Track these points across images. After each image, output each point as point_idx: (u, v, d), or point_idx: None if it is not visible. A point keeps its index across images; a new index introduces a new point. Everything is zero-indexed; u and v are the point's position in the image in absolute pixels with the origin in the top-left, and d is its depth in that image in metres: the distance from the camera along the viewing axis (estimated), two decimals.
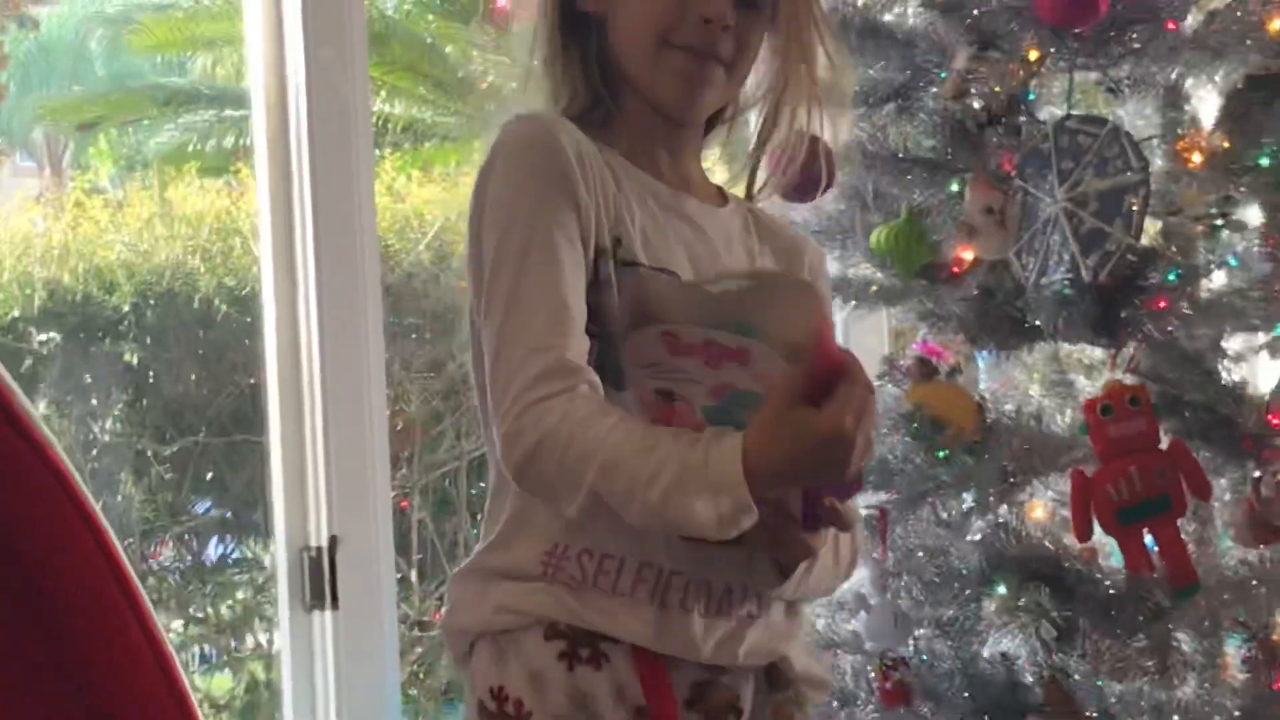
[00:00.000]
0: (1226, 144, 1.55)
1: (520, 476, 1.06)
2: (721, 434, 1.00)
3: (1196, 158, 1.57)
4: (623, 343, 1.07)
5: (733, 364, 1.00)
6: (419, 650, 2.27)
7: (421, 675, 2.50)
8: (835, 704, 1.57)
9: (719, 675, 1.12)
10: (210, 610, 2.49)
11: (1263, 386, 1.58)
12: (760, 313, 1.02)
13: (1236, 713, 1.46)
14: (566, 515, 1.06)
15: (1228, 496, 1.51)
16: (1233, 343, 1.57)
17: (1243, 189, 1.57)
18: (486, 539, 1.15)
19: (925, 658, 1.52)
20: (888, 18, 1.65)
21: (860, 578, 1.55)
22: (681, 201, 1.16)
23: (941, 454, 1.50)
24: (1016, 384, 1.63)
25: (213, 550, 2.49)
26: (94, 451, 2.38)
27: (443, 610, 1.32)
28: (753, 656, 1.12)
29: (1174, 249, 1.55)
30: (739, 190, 1.21)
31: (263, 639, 2.41)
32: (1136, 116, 1.66)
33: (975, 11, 1.58)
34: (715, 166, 1.22)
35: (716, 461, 0.99)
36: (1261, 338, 1.58)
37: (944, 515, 1.53)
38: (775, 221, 1.25)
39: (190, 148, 3.42)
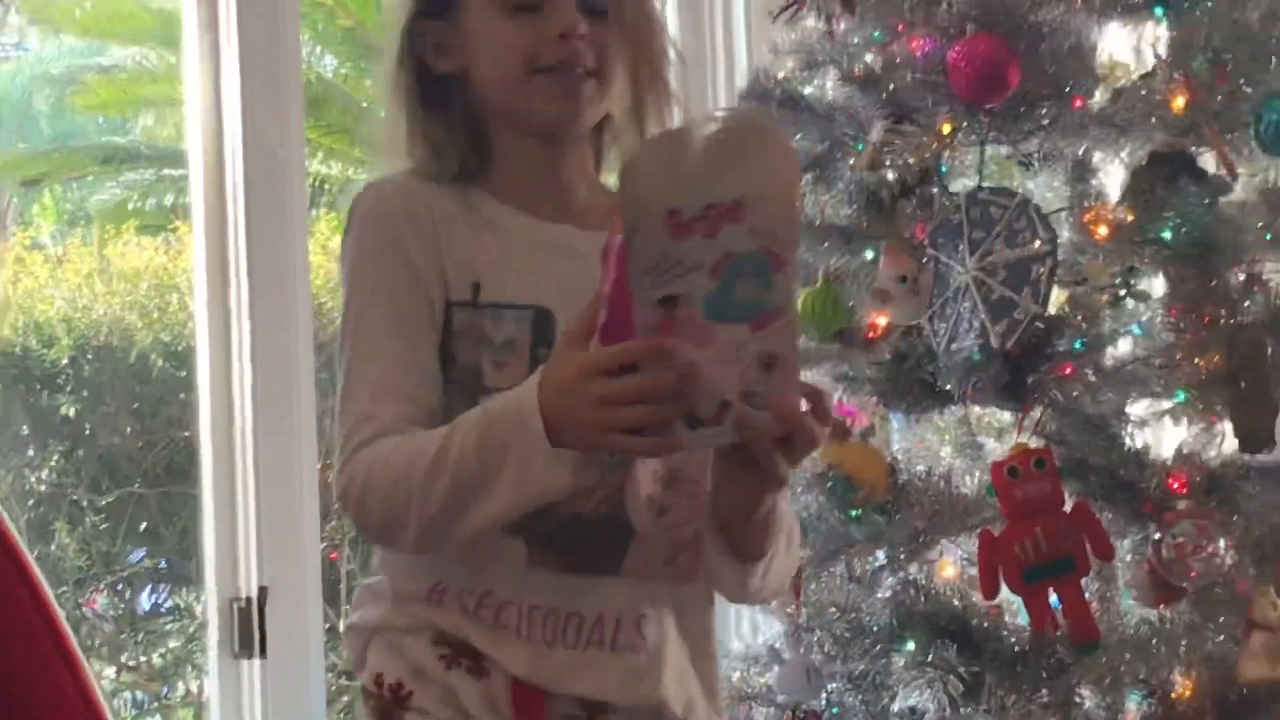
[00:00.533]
0: (1131, 217, 1.62)
1: (362, 531, 1.12)
2: (501, 396, 1.06)
3: (1102, 230, 1.64)
4: (631, 255, 1.03)
5: (729, 224, 1.00)
6: (345, 699, 2.32)
7: None
8: None
9: (597, 714, 1.14)
10: (143, 658, 2.52)
11: (1164, 451, 1.64)
12: (743, 160, 1.02)
13: None
14: (416, 553, 1.10)
15: (1129, 558, 1.56)
16: (1136, 408, 1.63)
17: (1146, 260, 1.63)
18: (384, 567, 1.19)
19: (836, 710, 1.56)
20: (807, 90, 1.70)
21: (774, 632, 1.60)
22: (557, 234, 1.19)
23: (854, 513, 1.55)
24: (928, 446, 1.67)
25: (145, 599, 2.54)
26: (30, 501, 2.41)
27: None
28: (631, 697, 1.14)
29: (1080, 318, 1.62)
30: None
31: (194, 686, 2.43)
32: (1045, 189, 1.73)
33: (891, 86, 1.64)
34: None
35: (512, 409, 1.03)
36: (1164, 404, 1.64)
37: (856, 572, 1.58)
38: None
39: (130, 205, 3.52)
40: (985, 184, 1.70)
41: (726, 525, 1.07)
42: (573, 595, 1.12)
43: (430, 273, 1.14)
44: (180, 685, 2.46)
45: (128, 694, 2.48)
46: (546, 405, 1.01)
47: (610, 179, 1.23)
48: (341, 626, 2.36)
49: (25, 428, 2.46)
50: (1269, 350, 1.57)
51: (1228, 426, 1.63)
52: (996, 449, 1.67)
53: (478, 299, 1.14)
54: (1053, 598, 1.57)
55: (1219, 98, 1.70)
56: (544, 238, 1.17)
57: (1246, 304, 1.64)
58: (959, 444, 1.73)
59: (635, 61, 1.17)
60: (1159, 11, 1.72)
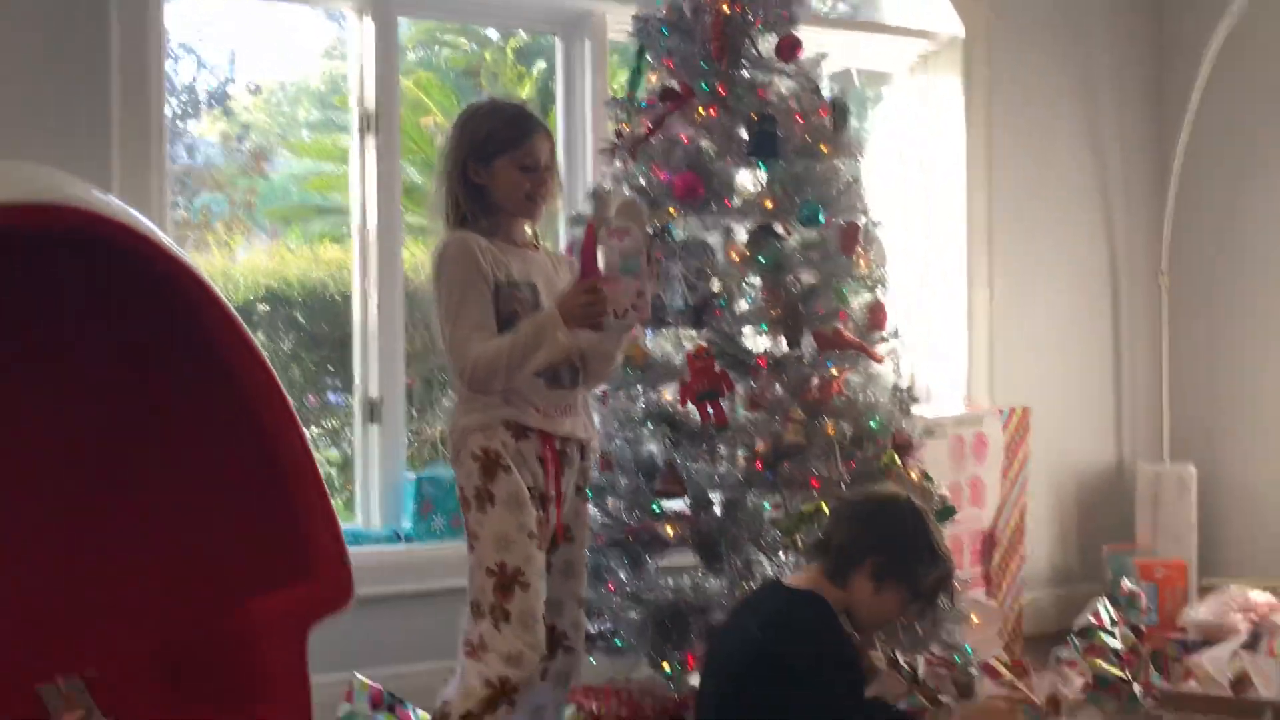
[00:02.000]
0: (748, 253, 3.32)
1: (471, 385, 2.44)
2: (536, 314, 2.45)
3: (735, 256, 3.33)
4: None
5: (626, 237, 2.41)
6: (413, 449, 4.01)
7: None
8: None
9: (566, 444, 2.57)
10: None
11: (756, 347, 3.47)
12: (630, 212, 2.45)
13: None
14: (497, 391, 2.45)
15: (740, 390, 3.38)
16: (747, 330, 3.47)
17: (752, 271, 3.42)
18: (463, 398, 2.50)
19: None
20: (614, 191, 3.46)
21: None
22: (526, 253, 2.56)
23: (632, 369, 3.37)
24: (662, 349, 3.49)
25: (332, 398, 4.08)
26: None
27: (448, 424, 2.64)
28: (579, 432, 2.59)
29: (725, 292, 3.40)
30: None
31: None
32: (713, 238, 3.29)
33: (650, 191, 3.21)
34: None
35: (541, 319, 2.40)
36: (758, 333, 3.47)
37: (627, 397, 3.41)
38: (554, 252, 2.79)
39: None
40: (687, 236, 3.19)
41: (595, 364, 2.60)
42: (561, 395, 2.54)
43: (488, 273, 2.46)
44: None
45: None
46: (560, 308, 2.40)
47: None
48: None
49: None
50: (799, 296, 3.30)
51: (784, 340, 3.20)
52: (688, 344, 3.21)
53: (508, 282, 2.51)
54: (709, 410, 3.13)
55: (785, 203, 3.16)
56: (524, 256, 2.57)
57: (793, 286, 3.20)
58: (677, 344, 3.29)
59: (554, 185, 2.61)
60: (762, 164, 3.17)
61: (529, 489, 2.47)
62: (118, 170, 3.33)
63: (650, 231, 2.57)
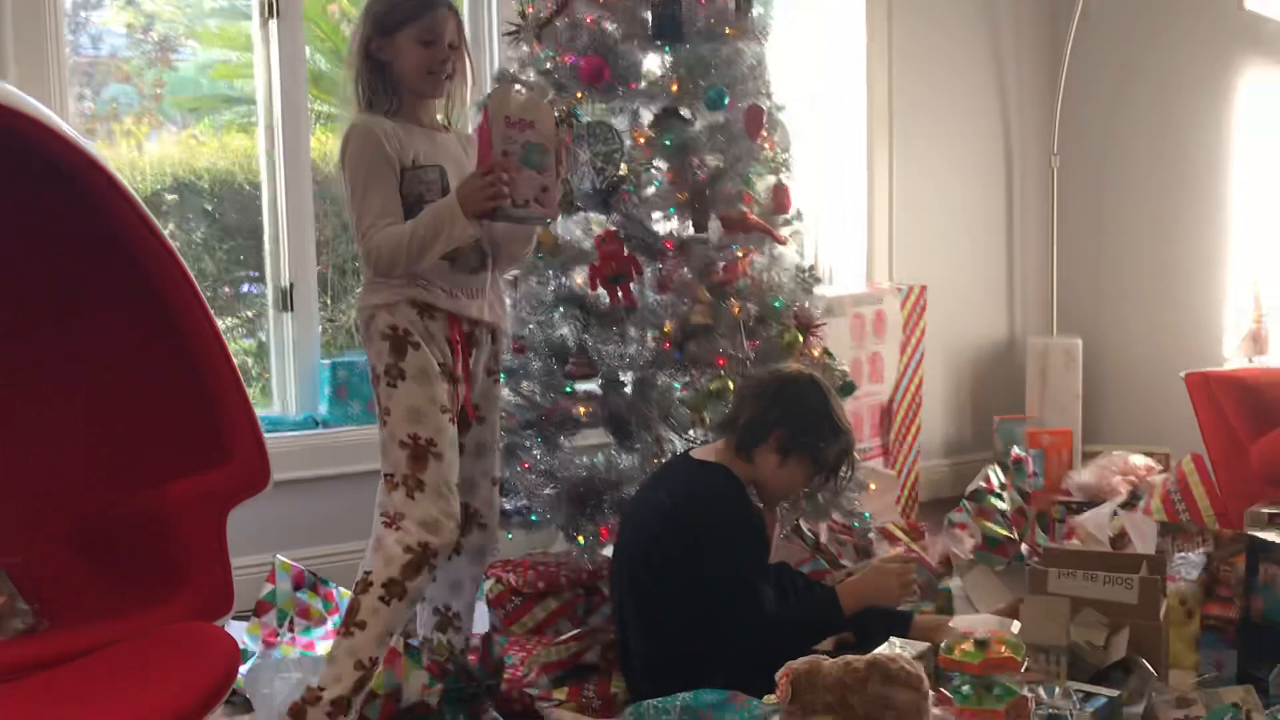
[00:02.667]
0: (652, 134, 3.24)
1: (375, 268, 2.46)
2: (437, 201, 2.41)
3: (641, 140, 3.23)
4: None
5: (529, 129, 2.40)
6: (326, 335, 3.89)
7: None
8: None
9: (475, 327, 2.59)
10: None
11: (661, 230, 3.55)
12: (535, 105, 2.43)
13: None
14: (401, 274, 2.45)
15: (648, 273, 3.48)
16: (656, 215, 3.55)
17: (657, 153, 3.30)
18: (369, 279, 2.52)
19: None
20: (523, 76, 3.32)
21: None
22: (435, 135, 2.55)
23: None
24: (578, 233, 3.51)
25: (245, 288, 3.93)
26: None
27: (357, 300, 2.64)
28: (486, 315, 2.61)
29: (631, 175, 3.25)
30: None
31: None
32: (620, 122, 3.31)
33: (556, 76, 3.21)
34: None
35: (440, 208, 2.39)
36: (665, 219, 3.52)
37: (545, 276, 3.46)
38: (465, 135, 2.69)
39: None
40: (594, 119, 3.19)
41: (507, 250, 2.65)
42: (468, 279, 2.55)
43: (392, 158, 2.46)
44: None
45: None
46: (459, 197, 2.40)
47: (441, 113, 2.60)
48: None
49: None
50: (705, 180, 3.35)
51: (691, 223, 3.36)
52: (597, 228, 3.29)
53: (414, 164, 2.50)
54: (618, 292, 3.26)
55: (690, 86, 3.20)
56: (433, 139, 2.55)
57: (699, 170, 3.27)
58: (586, 228, 3.37)
59: (462, 65, 2.57)
60: (666, 48, 3.22)
61: (439, 365, 2.51)
62: (12, 60, 3.25)
63: (559, 128, 2.51)
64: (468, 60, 2.62)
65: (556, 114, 2.60)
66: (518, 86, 2.53)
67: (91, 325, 2.90)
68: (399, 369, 2.47)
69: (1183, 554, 3.00)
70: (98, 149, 2.82)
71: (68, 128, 2.72)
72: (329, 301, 3.94)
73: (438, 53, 2.51)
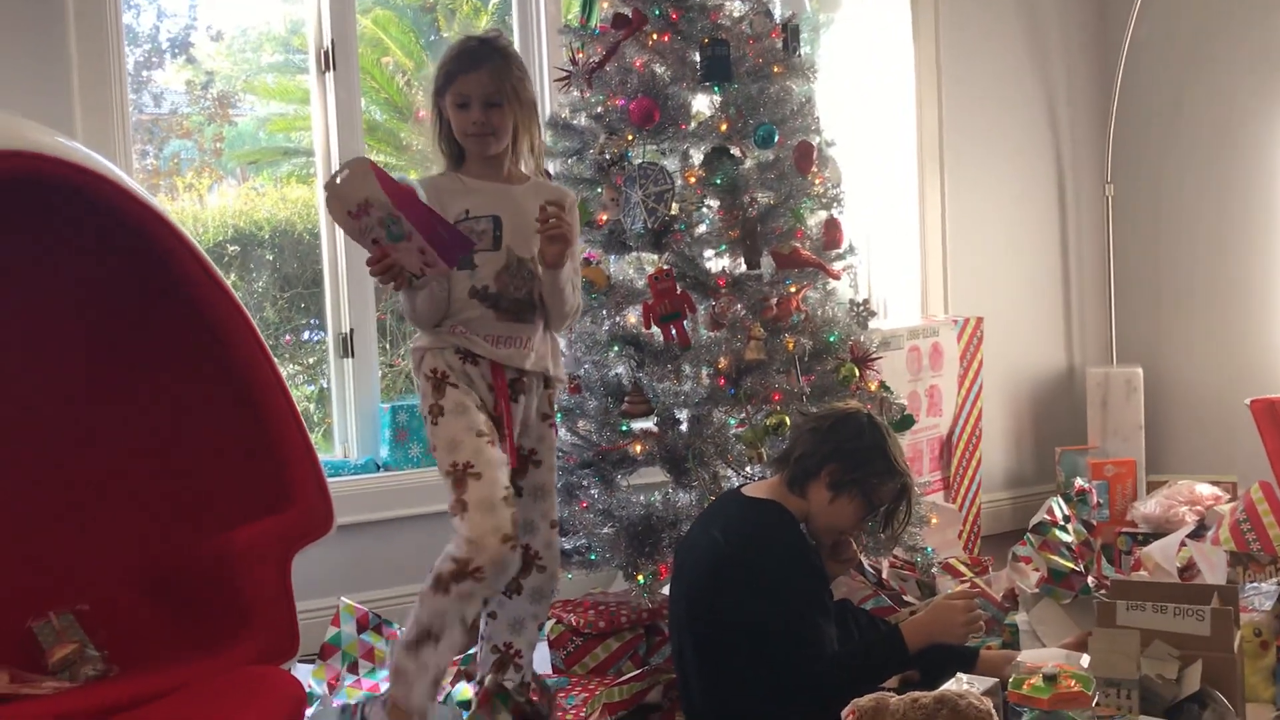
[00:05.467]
0: (703, 173, 3.26)
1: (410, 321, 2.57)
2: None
3: (691, 180, 3.26)
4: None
5: (366, 212, 2.31)
6: (388, 378, 4.02)
7: None
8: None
9: (523, 375, 2.60)
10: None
11: (713, 267, 3.54)
12: (361, 185, 2.31)
13: None
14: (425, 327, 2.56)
15: (701, 310, 3.46)
16: (708, 253, 3.54)
17: (708, 192, 3.29)
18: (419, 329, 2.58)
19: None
20: (574, 121, 3.36)
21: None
22: (498, 186, 2.58)
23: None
24: (624, 274, 3.50)
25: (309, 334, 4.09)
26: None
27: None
28: (530, 365, 2.60)
29: (684, 213, 3.24)
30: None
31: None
32: (670, 162, 3.33)
33: (607, 120, 3.26)
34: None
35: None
36: (719, 255, 3.49)
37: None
38: (546, 184, 2.72)
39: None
40: (645, 160, 3.21)
41: (545, 298, 2.57)
42: (511, 327, 2.56)
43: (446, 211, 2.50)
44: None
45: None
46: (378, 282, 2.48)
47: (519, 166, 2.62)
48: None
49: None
50: (757, 217, 3.30)
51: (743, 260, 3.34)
52: (649, 267, 3.32)
53: (467, 215, 2.56)
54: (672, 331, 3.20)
55: (739, 124, 3.25)
56: (494, 190, 2.59)
57: (750, 208, 3.30)
58: (639, 267, 3.42)
59: (513, 120, 2.58)
60: (715, 88, 3.26)
61: (478, 404, 2.56)
62: (80, 119, 3.34)
63: (384, 188, 2.34)
64: (518, 111, 2.59)
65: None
66: (335, 174, 2.37)
67: (159, 375, 2.96)
68: (439, 406, 2.53)
69: (1254, 584, 2.94)
70: (161, 203, 2.88)
71: (133, 183, 2.79)
72: (388, 347, 3.99)
73: (470, 115, 2.55)
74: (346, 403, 3.88)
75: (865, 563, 3.43)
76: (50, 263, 2.89)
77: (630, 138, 3.29)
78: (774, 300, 3.26)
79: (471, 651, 2.98)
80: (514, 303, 2.58)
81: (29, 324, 2.87)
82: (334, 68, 3.73)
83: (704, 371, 3.24)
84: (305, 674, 3.03)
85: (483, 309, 2.55)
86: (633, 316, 3.33)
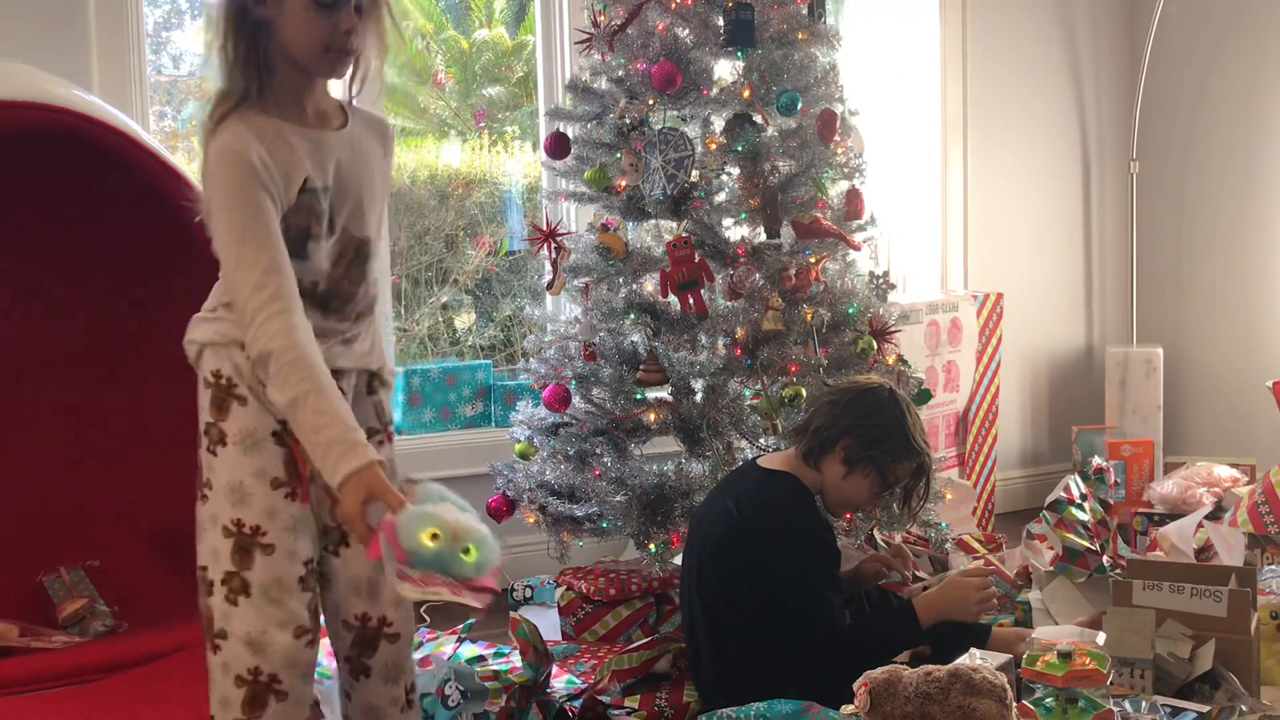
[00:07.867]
0: (724, 140, 3.19)
1: (254, 363, 1.71)
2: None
3: (712, 146, 3.20)
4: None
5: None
6: None
7: None
8: None
9: (340, 377, 1.85)
10: None
11: (732, 236, 3.49)
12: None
13: None
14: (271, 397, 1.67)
15: (719, 280, 3.43)
16: (727, 221, 3.50)
17: (729, 159, 3.22)
18: (208, 307, 1.83)
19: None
20: (594, 84, 3.32)
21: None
22: (325, 137, 1.80)
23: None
24: (641, 239, 3.49)
25: None
26: None
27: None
28: (348, 362, 1.91)
29: (702, 180, 3.19)
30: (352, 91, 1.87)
31: None
32: (691, 128, 3.29)
33: (628, 83, 3.22)
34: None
35: (336, 463, 1.66)
36: (737, 224, 3.47)
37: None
38: (366, 112, 1.93)
39: None
40: (665, 125, 3.13)
41: None
42: (338, 324, 1.89)
43: (274, 191, 1.73)
44: None
45: None
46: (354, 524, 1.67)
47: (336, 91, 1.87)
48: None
49: None
50: (777, 186, 3.25)
51: (763, 229, 3.22)
52: (668, 234, 3.27)
53: (304, 188, 1.75)
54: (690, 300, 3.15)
55: (762, 91, 3.17)
56: (319, 140, 1.78)
57: (771, 176, 3.23)
58: (657, 235, 3.41)
59: (373, 34, 1.80)
60: (739, 53, 3.17)
61: (274, 430, 1.84)
62: (97, 79, 3.32)
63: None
64: (387, 25, 1.86)
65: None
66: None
67: (174, 331, 2.92)
68: (219, 431, 1.84)
69: (1272, 566, 2.91)
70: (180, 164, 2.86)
71: (152, 140, 2.76)
72: (403, 310, 3.95)
73: (341, 21, 1.77)
74: None
75: (878, 537, 3.41)
76: (69, 218, 2.88)
77: (651, 102, 3.24)
78: (793, 270, 3.22)
79: None
80: (328, 299, 1.90)
81: (46, 279, 2.86)
82: None
83: (720, 341, 3.21)
84: None
85: (309, 310, 1.82)
86: (650, 284, 3.30)
